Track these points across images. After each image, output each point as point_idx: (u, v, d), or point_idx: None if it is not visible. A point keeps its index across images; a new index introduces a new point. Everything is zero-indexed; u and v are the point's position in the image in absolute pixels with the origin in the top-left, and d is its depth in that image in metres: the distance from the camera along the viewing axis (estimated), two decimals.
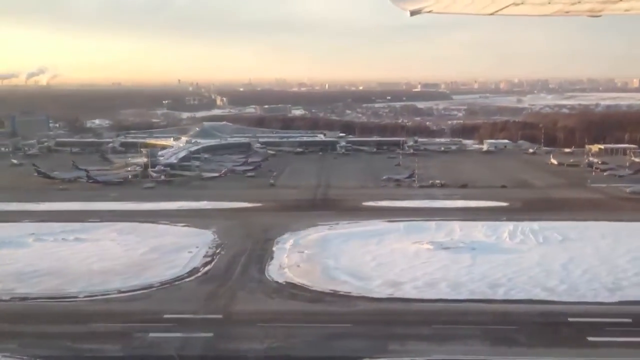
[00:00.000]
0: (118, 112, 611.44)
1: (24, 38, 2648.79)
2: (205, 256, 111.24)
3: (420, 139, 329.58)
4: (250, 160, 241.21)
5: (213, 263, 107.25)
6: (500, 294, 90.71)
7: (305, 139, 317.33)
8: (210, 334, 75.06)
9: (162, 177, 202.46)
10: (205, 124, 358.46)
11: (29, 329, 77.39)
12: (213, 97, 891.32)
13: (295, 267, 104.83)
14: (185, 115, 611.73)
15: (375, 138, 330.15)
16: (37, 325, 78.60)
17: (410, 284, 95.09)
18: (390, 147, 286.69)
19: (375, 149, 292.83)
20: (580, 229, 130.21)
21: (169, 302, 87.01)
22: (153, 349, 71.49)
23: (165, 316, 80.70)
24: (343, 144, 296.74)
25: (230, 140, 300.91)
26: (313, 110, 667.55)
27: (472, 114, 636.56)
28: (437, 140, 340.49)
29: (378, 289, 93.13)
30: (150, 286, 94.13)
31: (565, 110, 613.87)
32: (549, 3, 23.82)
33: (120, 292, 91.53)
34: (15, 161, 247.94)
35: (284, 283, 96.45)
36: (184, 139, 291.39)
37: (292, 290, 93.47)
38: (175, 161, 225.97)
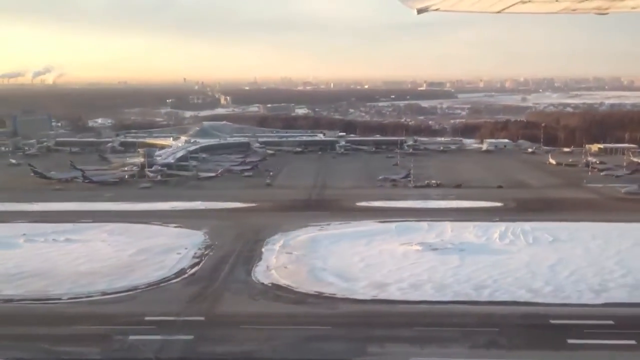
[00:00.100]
0: (121, 111, 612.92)
1: (31, 37, 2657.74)
2: (194, 257, 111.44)
3: (420, 138, 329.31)
4: (247, 160, 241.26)
5: (201, 264, 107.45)
6: (484, 296, 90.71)
7: (304, 138, 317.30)
8: (191, 337, 75.13)
9: (159, 177, 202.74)
10: (205, 123, 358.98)
11: (9, 331, 77.65)
12: (217, 96, 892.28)
13: (282, 268, 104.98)
14: (188, 114, 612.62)
15: (374, 137, 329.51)
16: (18, 327, 78.83)
17: (395, 286, 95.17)
18: (390, 146, 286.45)
19: (374, 149, 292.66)
20: (572, 230, 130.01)
21: (153, 304, 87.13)
22: (132, 351, 71.58)
23: (147, 318, 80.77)
24: (342, 143, 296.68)
25: (230, 140, 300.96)
26: (316, 109, 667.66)
27: (476, 112, 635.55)
28: (438, 139, 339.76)
29: (363, 291, 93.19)
30: (136, 288, 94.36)
31: (569, 109, 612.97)
32: (556, 1, 23.83)
33: (104, 294, 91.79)
34: (13, 161, 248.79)
35: (270, 285, 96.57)
36: (183, 138, 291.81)
37: (277, 291, 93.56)
38: (172, 161, 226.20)
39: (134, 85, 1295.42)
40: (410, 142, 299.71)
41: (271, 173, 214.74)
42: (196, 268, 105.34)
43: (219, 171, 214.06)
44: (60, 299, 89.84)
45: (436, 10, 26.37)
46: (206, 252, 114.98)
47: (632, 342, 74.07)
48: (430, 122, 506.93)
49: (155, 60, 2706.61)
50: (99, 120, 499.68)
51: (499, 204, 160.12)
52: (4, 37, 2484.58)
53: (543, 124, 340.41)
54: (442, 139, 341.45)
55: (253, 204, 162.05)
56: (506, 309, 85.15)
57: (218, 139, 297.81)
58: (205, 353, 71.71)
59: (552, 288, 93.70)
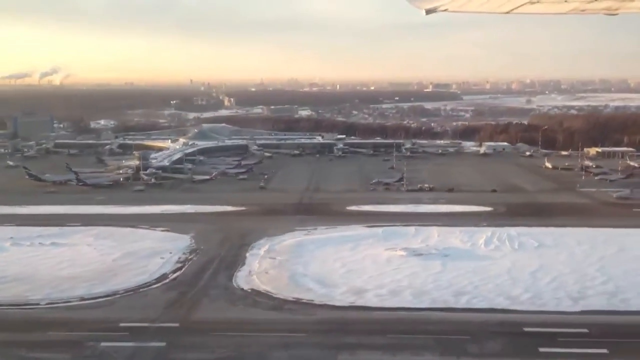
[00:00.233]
0: (125, 113, 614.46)
1: (38, 38, 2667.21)
2: (177, 262, 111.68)
3: (419, 141, 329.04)
4: (243, 162, 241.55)
5: (183, 269, 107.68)
6: (462, 303, 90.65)
7: (303, 141, 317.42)
8: (163, 344, 75.35)
9: (153, 180, 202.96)
10: (204, 125, 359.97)
11: None
12: (221, 97, 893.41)
13: (263, 273, 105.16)
14: (192, 115, 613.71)
15: (372, 140, 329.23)
16: None
17: (374, 292, 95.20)
18: (388, 149, 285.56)
19: (372, 152, 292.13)
20: (558, 235, 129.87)
21: (129, 310, 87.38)
22: (102, 358, 71.75)
23: (122, 325, 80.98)
24: (340, 146, 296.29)
25: (228, 142, 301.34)
26: (320, 111, 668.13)
27: (479, 115, 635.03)
28: (437, 142, 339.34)
29: (341, 297, 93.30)
30: (115, 293, 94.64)
31: (573, 112, 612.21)
32: (565, 1, 23.82)
33: (82, 299, 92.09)
34: (11, 163, 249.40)
35: (250, 290, 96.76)
36: (181, 140, 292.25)
37: (256, 297, 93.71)
38: (167, 164, 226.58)
39: (141, 86, 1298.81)
40: (408, 145, 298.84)
41: (265, 176, 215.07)
42: (178, 273, 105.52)
43: (213, 174, 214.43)
44: (38, 304, 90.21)
45: (444, 10, 26.44)
46: (190, 257, 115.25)
47: (604, 350, 73.89)
48: (432, 124, 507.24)
49: (163, 61, 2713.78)
50: (102, 122, 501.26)
51: (489, 209, 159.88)
52: (12, 38, 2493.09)
53: (545, 127, 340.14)
54: (441, 141, 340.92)
55: (243, 208, 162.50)
56: (482, 317, 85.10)
57: (216, 141, 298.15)
58: None
59: (530, 295, 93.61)
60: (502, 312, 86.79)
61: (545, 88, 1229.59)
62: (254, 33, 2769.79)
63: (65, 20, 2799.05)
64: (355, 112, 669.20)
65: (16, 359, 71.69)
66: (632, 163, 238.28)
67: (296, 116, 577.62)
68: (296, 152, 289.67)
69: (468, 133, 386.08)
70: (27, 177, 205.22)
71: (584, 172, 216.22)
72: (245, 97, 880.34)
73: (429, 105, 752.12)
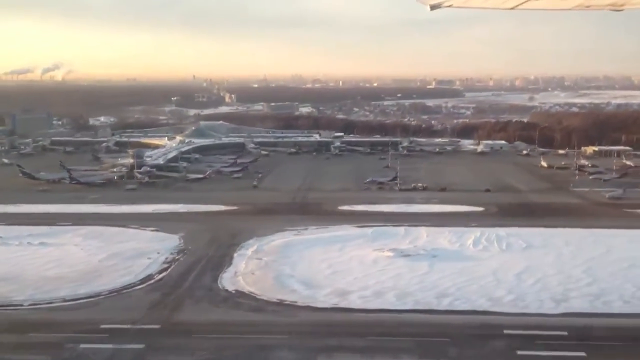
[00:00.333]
0: (126, 109, 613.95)
1: (41, 33, 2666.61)
2: (164, 263, 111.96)
3: (417, 139, 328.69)
4: (239, 161, 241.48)
5: (169, 270, 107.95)
6: (444, 305, 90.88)
7: (300, 139, 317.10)
8: (142, 346, 75.61)
9: (146, 179, 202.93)
10: (202, 123, 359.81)
11: None
12: (222, 94, 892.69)
13: (249, 274, 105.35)
14: (192, 112, 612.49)
15: (370, 138, 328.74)
16: None
17: (358, 293, 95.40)
18: (385, 147, 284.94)
19: (369, 150, 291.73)
20: (547, 236, 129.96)
21: (111, 312, 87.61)
22: None
23: (102, 326, 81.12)
24: (337, 144, 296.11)
25: (225, 140, 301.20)
26: (321, 108, 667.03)
27: (481, 112, 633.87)
28: (436, 140, 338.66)
29: (324, 299, 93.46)
30: (98, 294, 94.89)
31: (575, 109, 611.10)
32: None
33: (65, 300, 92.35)
34: (6, 160, 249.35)
35: (234, 291, 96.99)
36: (178, 138, 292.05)
37: (239, 299, 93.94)
38: (162, 162, 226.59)
39: (143, 82, 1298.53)
40: (406, 144, 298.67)
41: (260, 175, 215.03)
42: (164, 274, 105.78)
43: (207, 173, 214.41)
44: (21, 305, 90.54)
45: (449, 6, 26.42)
46: (177, 257, 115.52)
47: (582, 354, 74.14)
48: (432, 121, 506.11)
49: (166, 57, 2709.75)
50: (102, 119, 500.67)
51: (480, 209, 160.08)
52: (14, 34, 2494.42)
53: (546, 124, 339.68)
54: (439, 140, 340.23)
55: (234, 207, 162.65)
56: (463, 319, 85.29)
57: (213, 139, 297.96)
58: None
59: (513, 297, 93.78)
60: (484, 314, 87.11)
61: (548, 85, 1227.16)
62: (259, 29, 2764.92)
63: (68, 15, 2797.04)
64: (356, 109, 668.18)
65: None
66: (628, 162, 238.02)
67: (296, 113, 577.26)
68: (293, 150, 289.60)
69: (467, 131, 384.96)
70: (20, 175, 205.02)
71: (577, 172, 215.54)
72: (247, 93, 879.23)
73: (430, 103, 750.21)
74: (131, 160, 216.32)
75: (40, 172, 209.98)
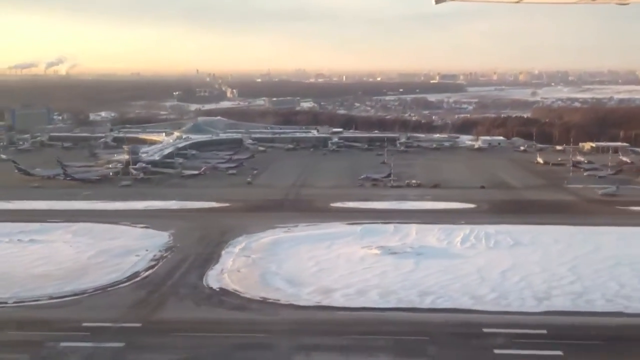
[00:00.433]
0: (128, 104, 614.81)
1: (45, 27, 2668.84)
2: (151, 260, 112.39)
3: (416, 135, 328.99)
4: (235, 157, 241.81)
5: (156, 268, 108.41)
6: (427, 303, 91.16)
7: (298, 135, 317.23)
8: (122, 344, 75.99)
9: (141, 175, 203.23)
10: (200, 118, 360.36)
11: None
12: (223, 88, 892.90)
13: (235, 272, 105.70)
14: (193, 107, 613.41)
15: (368, 134, 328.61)
16: None
17: (341, 291, 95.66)
18: (383, 143, 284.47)
19: (366, 146, 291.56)
20: (535, 234, 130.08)
21: (94, 310, 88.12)
22: (60, 359, 72.38)
23: (84, 325, 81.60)
24: (335, 140, 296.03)
25: (222, 136, 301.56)
26: (322, 103, 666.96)
27: (482, 107, 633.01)
28: (436, 136, 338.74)
29: (307, 297, 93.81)
30: (83, 292, 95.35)
31: (577, 104, 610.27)
32: None
33: (51, 298, 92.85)
34: (3, 156, 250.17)
35: (218, 289, 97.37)
36: (175, 134, 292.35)
37: (223, 297, 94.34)
38: (157, 158, 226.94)
39: (147, 76, 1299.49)
40: (403, 140, 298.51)
41: (255, 171, 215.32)
42: (150, 271, 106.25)
43: (202, 169, 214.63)
44: (6, 302, 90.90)
45: (454, 0, 26.44)
46: (165, 255, 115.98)
47: (559, 353, 74.41)
48: (433, 117, 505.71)
49: (170, 51, 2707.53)
50: (103, 114, 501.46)
51: (472, 206, 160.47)
52: (18, 28, 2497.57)
53: (546, 120, 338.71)
54: (438, 135, 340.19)
55: (227, 204, 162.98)
56: (444, 317, 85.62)
57: (210, 135, 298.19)
58: None
59: (496, 295, 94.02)
60: (465, 313, 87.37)
61: (552, 79, 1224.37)
62: (263, 23, 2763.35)
63: (73, 9, 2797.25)
64: (357, 105, 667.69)
65: None
66: (624, 158, 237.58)
67: (297, 108, 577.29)
68: (290, 146, 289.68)
69: (467, 126, 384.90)
70: (16, 171, 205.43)
71: (572, 168, 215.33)
72: (249, 88, 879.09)
73: (432, 98, 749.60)
74: (126, 157, 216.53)
75: (36, 168, 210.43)
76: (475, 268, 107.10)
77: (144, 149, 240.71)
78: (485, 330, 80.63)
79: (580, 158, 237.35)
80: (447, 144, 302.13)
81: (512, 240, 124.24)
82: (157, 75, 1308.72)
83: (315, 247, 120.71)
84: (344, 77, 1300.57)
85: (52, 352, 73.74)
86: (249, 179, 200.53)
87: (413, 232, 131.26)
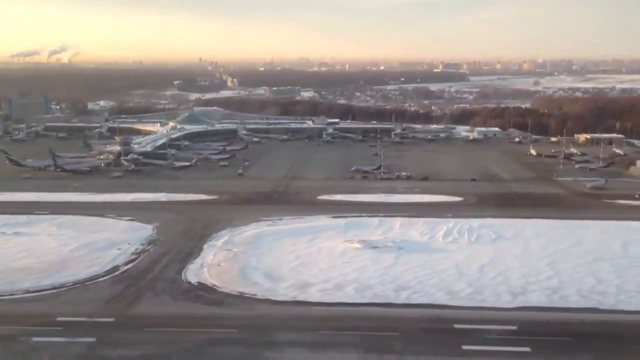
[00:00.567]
0: (127, 93, 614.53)
1: (48, 15, 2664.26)
2: (133, 254, 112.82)
3: (413, 125, 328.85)
4: (228, 148, 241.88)
5: (137, 261, 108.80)
6: (402, 298, 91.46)
7: (293, 125, 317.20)
8: (93, 339, 76.30)
9: (132, 166, 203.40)
10: (196, 109, 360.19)
11: None
12: (224, 77, 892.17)
13: (215, 266, 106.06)
14: (194, 96, 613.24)
15: (363, 125, 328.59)
16: None
17: (319, 286, 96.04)
18: (378, 134, 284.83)
19: (361, 137, 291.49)
20: (519, 227, 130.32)
21: (70, 304, 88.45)
22: (31, 354, 72.78)
23: (58, 319, 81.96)
24: (330, 131, 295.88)
25: (217, 126, 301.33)
26: (322, 93, 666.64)
27: (483, 97, 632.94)
28: (432, 127, 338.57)
29: (284, 292, 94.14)
30: (61, 286, 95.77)
31: (578, 94, 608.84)
32: None
33: (28, 292, 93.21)
34: None
35: (196, 284, 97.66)
36: (170, 124, 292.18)
37: (200, 291, 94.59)
38: (149, 149, 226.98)
39: (149, 65, 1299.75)
40: (399, 130, 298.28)
41: (246, 163, 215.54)
42: (130, 265, 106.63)
43: (194, 160, 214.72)
44: None
45: None
46: (147, 248, 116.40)
47: (527, 349, 74.54)
48: (433, 107, 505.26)
49: (173, 39, 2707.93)
50: (101, 103, 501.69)
51: (459, 199, 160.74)
52: (21, 16, 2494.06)
53: (545, 110, 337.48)
54: (434, 126, 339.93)
55: (215, 196, 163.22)
56: (417, 312, 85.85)
57: (206, 125, 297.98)
58: (101, 357, 72.66)
59: (472, 290, 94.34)
60: (439, 308, 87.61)
61: (556, 68, 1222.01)
62: (267, 11, 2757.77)
63: None
64: (358, 94, 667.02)
65: None
66: (617, 150, 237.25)
67: (297, 98, 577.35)
68: (285, 137, 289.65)
69: (465, 117, 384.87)
70: (7, 162, 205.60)
71: (562, 161, 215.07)
72: (251, 77, 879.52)
73: (434, 87, 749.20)
74: (118, 148, 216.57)
75: (28, 159, 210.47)
76: (454, 263, 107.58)
77: (137, 139, 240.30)
78: (456, 326, 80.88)
79: (573, 150, 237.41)
80: (442, 135, 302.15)
81: (494, 234, 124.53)
82: (160, 63, 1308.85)
83: (298, 240, 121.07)
84: (347, 65, 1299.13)
85: (24, 347, 74.09)
86: (240, 171, 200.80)
87: (397, 226, 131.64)
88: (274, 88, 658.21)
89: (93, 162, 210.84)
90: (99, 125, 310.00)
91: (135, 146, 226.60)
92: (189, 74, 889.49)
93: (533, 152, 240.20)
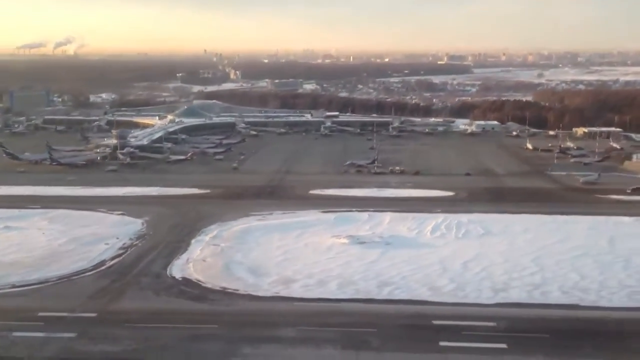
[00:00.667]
0: (130, 85, 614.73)
1: (53, 7, 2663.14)
2: (120, 248, 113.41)
3: (411, 119, 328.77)
4: (224, 142, 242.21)
5: (123, 256, 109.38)
6: (384, 294, 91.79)
7: (291, 119, 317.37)
8: (74, 335, 76.88)
9: (128, 160, 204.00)
10: (195, 102, 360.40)
11: None
12: (227, 70, 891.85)
13: (201, 261, 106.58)
14: (196, 88, 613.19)
15: (362, 118, 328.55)
16: None
17: (302, 282, 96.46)
18: (376, 127, 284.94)
19: (358, 130, 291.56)
20: (508, 222, 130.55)
21: (53, 299, 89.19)
22: (9, 350, 73.44)
23: (40, 314, 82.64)
24: (327, 124, 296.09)
25: (216, 119, 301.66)
26: (325, 85, 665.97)
27: (485, 89, 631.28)
28: (431, 120, 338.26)
29: (267, 287, 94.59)
30: (47, 281, 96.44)
31: (581, 87, 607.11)
32: None
33: (13, 286, 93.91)
34: None
35: (180, 279, 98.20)
36: (169, 117, 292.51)
37: (184, 287, 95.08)
38: (146, 143, 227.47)
39: (154, 57, 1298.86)
40: (397, 124, 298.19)
41: (242, 157, 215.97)
42: (117, 260, 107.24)
43: (190, 154, 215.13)
44: None
45: None
46: (135, 243, 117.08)
47: (503, 345, 74.75)
48: (434, 99, 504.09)
49: (178, 31, 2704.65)
50: (103, 95, 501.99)
51: (450, 194, 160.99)
52: (27, 7, 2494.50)
53: (547, 103, 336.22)
54: (433, 119, 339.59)
55: (207, 191, 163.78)
56: (398, 308, 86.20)
57: (204, 118, 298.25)
58: (80, 352, 73.23)
59: (454, 286, 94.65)
60: (420, 304, 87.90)
61: (560, 61, 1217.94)
62: (272, 2, 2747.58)
63: None
64: (360, 87, 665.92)
65: None
66: (614, 144, 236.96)
67: (300, 90, 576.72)
68: (282, 130, 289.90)
69: (464, 110, 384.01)
70: (4, 155, 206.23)
71: (557, 155, 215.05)
72: (255, 69, 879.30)
73: (437, 79, 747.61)
74: (115, 141, 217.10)
75: (25, 153, 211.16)
76: (439, 258, 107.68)
77: (134, 133, 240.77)
78: (435, 322, 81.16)
79: (569, 144, 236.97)
80: (440, 128, 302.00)
81: (482, 230, 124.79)
82: (165, 55, 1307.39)
83: (286, 235, 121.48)
84: (352, 57, 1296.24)
85: (4, 342, 74.64)
86: (234, 165, 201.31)
87: (386, 221, 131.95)
88: (277, 80, 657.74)
89: (89, 156, 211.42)
90: (97, 118, 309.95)
91: (132, 139, 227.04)
92: (194, 66, 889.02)
93: (529, 146, 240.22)
